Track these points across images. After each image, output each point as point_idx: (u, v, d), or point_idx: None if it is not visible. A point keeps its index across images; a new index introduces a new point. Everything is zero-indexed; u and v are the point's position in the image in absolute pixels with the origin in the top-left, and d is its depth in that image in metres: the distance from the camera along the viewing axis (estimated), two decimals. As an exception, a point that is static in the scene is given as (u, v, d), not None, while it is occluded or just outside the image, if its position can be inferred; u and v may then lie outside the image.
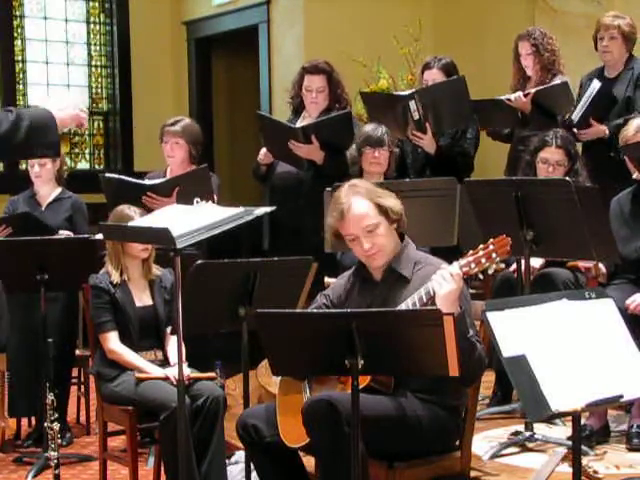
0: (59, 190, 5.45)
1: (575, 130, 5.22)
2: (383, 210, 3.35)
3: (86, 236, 4.92)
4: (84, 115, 2.96)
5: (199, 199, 3.60)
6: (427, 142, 5.28)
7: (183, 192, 4.86)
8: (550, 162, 4.64)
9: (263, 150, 5.55)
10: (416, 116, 5.19)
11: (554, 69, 5.45)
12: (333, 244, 4.50)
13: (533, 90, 5.32)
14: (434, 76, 5.47)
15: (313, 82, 5.51)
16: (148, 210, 4.51)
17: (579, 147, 5.34)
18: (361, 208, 3.33)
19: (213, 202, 4.36)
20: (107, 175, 5.19)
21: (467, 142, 5.41)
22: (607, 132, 5.16)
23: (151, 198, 4.90)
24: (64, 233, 5.20)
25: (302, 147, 5.31)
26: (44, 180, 5.38)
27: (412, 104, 5.17)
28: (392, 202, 3.38)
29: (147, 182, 5.10)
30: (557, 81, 5.35)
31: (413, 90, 5.48)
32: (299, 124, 5.52)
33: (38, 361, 4.86)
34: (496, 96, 5.46)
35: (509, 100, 5.34)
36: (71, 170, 5.84)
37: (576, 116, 5.21)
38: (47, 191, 5.42)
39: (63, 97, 2.94)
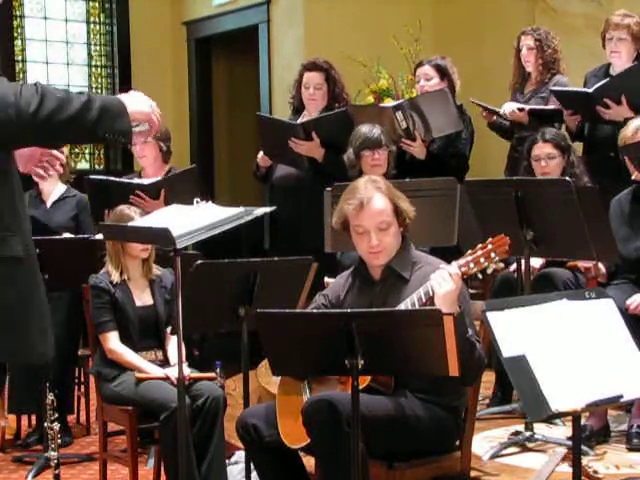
0: (64, 188, 5.44)
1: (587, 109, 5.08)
2: (399, 212, 3.38)
3: (86, 236, 4.91)
4: (155, 119, 2.86)
5: (199, 199, 3.59)
6: (417, 149, 5.27)
7: (171, 193, 4.86)
8: (541, 157, 4.67)
9: (260, 154, 5.55)
10: (404, 125, 5.20)
11: (554, 68, 5.44)
12: (333, 243, 4.52)
13: (527, 107, 5.31)
14: (425, 71, 5.47)
15: (311, 79, 5.52)
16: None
17: (579, 147, 5.34)
18: (381, 204, 3.35)
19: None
20: (91, 177, 5.20)
21: (461, 142, 5.38)
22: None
23: (140, 198, 4.89)
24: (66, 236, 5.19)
25: (303, 144, 5.31)
26: None
27: (399, 114, 5.18)
28: (408, 206, 3.41)
29: (135, 181, 5.10)
30: (555, 80, 5.35)
31: (400, 101, 5.50)
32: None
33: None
34: (495, 105, 5.48)
35: (504, 115, 5.35)
36: (71, 170, 5.80)
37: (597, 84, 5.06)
38: (51, 189, 5.40)
39: (140, 95, 2.85)
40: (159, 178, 5.11)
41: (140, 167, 5.46)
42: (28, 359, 2.78)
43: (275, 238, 5.70)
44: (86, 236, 4.91)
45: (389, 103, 5.94)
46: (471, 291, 4.10)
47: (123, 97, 2.77)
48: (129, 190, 4.95)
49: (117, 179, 5.17)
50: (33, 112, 2.52)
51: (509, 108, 5.36)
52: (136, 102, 2.78)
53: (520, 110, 5.31)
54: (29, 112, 2.52)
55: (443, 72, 5.44)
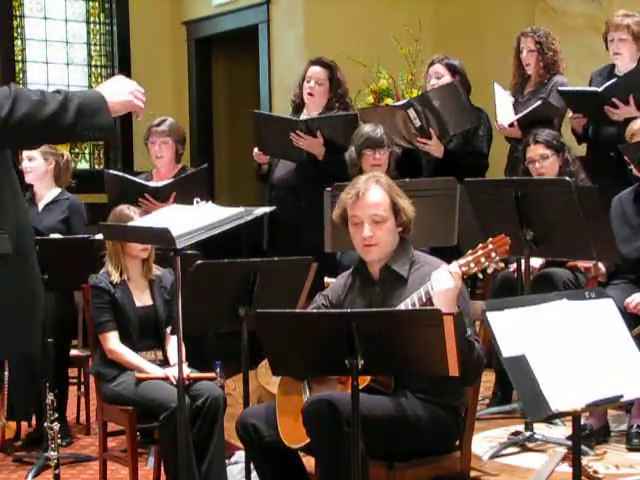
0: (58, 191, 5.39)
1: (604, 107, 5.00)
2: (396, 209, 3.38)
3: (86, 236, 4.90)
4: (139, 103, 2.79)
5: (199, 199, 3.59)
6: (433, 147, 5.26)
7: (182, 194, 4.87)
8: (534, 159, 4.68)
9: (255, 150, 5.55)
10: (417, 123, 5.19)
11: (554, 69, 5.43)
12: (333, 243, 4.52)
13: (514, 119, 5.29)
14: (436, 69, 5.48)
15: (314, 73, 5.52)
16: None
17: (583, 147, 5.32)
18: (377, 197, 3.36)
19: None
20: (111, 172, 5.20)
21: (479, 140, 5.35)
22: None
23: (148, 201, 4.89)
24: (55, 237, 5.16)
25: (306, 138, 5.31)
26: (35, 177, 5.30)
27: (411, 112, 5.17)
28: (407, 205, 3.41)
29: (152, 184, 5.10)
30: (555, 81, 5.34)
31: (410, 99, 5.49)
32: (299, 121, 5.53)
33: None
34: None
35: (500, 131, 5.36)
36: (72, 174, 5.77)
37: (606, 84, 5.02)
38: (44, 191, 5.36)
39: (119, 82, 2.80)
40: (172, 180, 5.11)
41: (152, 167, 5.44)
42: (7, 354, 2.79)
43: (275, 238, 5.70)
44: (86, 236, 4.90)
45: (399, 102, 5.91)
46: (471, 291, 4.10)
47: (103, 89, 2.72)
48: (143, 192, 4.95)
49: (134, 178, 5.17)
50: (5, 116, 2.51)
51: (501, 125, 5.36)
52: (116, 92, 2.73)
53: (511, 125, 5.31)
54: (1, 116, 2.51)
55: (454, 70, 5.44)
